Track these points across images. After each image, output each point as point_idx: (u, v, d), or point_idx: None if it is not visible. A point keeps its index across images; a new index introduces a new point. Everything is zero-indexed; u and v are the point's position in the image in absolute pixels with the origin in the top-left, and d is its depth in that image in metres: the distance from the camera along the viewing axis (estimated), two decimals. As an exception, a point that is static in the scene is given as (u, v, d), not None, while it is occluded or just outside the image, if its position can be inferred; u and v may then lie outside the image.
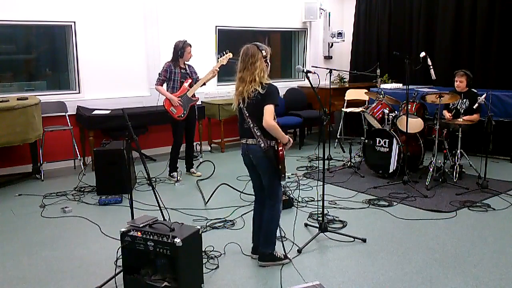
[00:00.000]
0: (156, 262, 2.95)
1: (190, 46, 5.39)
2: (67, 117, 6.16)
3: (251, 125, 3.14)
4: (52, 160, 6.17)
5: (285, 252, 3.43)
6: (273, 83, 3.15)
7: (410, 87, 5.24)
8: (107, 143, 5.32)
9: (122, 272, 3.02)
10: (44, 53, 6.62)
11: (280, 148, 3.15)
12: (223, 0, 7.48)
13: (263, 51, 3.15)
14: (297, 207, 4.48)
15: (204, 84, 5.47)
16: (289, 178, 3.79)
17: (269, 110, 3.04)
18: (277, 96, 3.14)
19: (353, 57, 8.93)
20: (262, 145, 3.11)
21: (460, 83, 5.49)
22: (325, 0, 8.61)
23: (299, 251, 3.52)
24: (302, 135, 7.76)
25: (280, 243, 3.53)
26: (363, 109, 6.48)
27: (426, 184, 5.07)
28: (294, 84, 8.44)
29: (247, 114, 3.15)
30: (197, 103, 5.66)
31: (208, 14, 7.35)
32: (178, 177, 5.51)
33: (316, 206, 4.42)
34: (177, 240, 2.73)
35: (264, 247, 3.34)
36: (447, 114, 5.55)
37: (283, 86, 8.10)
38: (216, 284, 3.09)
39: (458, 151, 5.30)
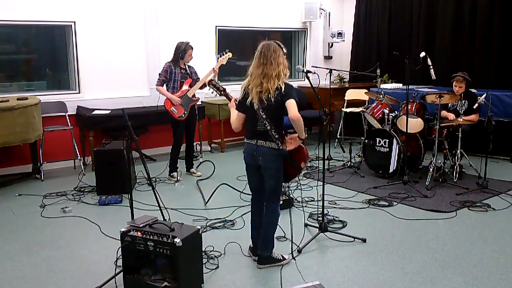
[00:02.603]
0: (156, 262, 2.96)
1: (192, 48, 5.37)
2: (67, 117, 6.16)
3: (268, 128, 3.05)
4: (52, 160, 6.16)
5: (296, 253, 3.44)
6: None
7: (410, 87, 5.23)
8: (107, 143, 5.32)
9: (122, 272, 3.02)
10: (44, 53, 6.62)
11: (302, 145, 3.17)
12: (223, 0, 7.49)
13: (283, 49, 3.12)
14: (297, 207, 4.48)
15: (205, 85, 5.48)
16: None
17: (292, 104, 2.98)
18: (295, 92, 3.08)
19: (353, 57, 8.92)
20: (281, 147, 3.07)
21: (459, 88, 5.43)
22: (325, 0, 8.61)
23: (299, 251, 3.52)
24: (302, 135, 7.74)
25: (280, 243, 3.52)
26: (363, 109, 6.48)
27: (426, 184, 5.07)
28: (294, 84, 8.27)
29: (264, 116, 3.04)
30: (197, 103, 5.66)
31: (208, 14, 7.34)
32: (178, 177, 5.51)
33: (316, 206, 4.42)
34: (177, 240, 2.73)
35: (263, 250, 3.32)
36: (450, 116, 5.51)
37: (283, 86, 8.10)
38: (216, 284, 3.09)
39: (458, 151, 5.29)
